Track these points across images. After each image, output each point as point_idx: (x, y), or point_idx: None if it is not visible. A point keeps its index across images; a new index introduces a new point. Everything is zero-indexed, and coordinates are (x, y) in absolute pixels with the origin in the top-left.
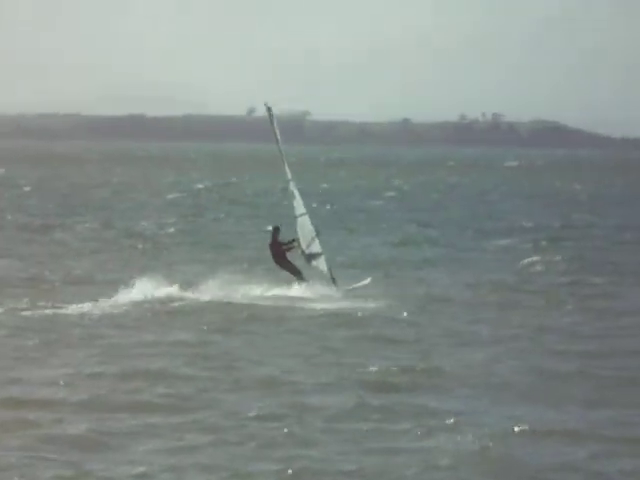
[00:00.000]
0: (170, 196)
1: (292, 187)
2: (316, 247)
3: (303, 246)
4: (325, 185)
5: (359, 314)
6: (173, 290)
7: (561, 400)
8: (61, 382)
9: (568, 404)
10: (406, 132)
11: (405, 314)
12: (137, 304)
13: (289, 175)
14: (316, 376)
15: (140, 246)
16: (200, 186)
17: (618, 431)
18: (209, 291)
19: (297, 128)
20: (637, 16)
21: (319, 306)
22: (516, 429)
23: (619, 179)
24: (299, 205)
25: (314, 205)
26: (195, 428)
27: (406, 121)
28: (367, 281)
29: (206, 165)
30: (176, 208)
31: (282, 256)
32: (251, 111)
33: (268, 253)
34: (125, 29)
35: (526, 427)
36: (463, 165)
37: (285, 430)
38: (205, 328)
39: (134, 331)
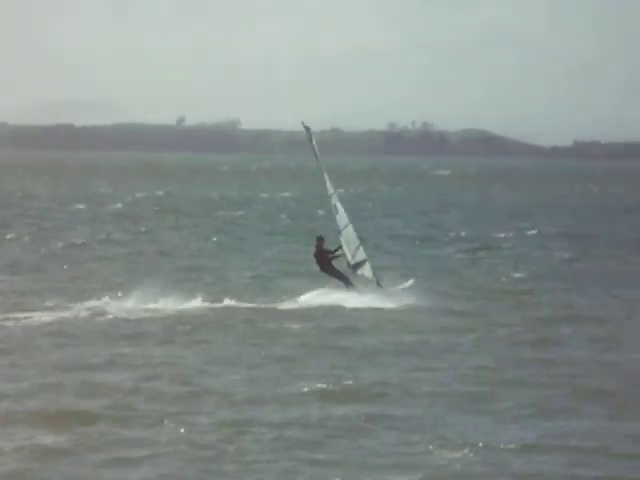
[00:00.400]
0: (107, 206)
1: (334, 201)
2: (361, 255)
3: (349, 258)
4: (264, 195)
5: (305, 324)
6: (117, 302)
7: (509, 409)
8: (5, 394)
9: (516, 414)
10: (336, 141)
11: (352, 323)
12: (80, 317)
13: (331, 190)
14: (263, 387)
15: (81, 258)
16: (137, 195)
17: (567, 441)
18: (153, 301)
19: (228, 137)
20: (567, 30)
21: (265, 315)
22: (472, 440)
23: (552, 188)
24: (342, 218)
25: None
26: (143, 440)
27: (335, 130)
28: (411, 282)
29: (138, 175)
30: (115, 218)
31: (328, 263)
32: (181, 120)
33: (210, 262)
34: (53, 37)
35: (482, 438)
36: (395, 174)
37: (234, 442)
38: (151, 339)
39: (79, 343)
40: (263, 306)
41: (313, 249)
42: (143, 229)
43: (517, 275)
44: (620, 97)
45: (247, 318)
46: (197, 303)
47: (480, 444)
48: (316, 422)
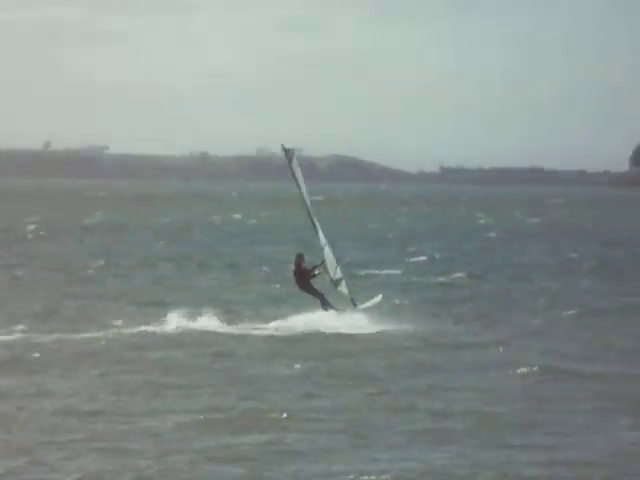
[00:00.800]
0: None
1: (316, 221)
2: (339, 273)
3: (331, 274)
4: (141, 220)
5: (189, 350)
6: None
7: (396, 437)
8: None
9: (404, 441)
10: (204, 166)
11: (238, 349)
12: None
13: (310, 210)
14: (145, 416)
15: None
16: (9, 222)
17: (455, 469)
18: (32, 329)
19: (95, 162)
20: (435, 57)
21: (148, 342)
22: (361, 469)
23: (425, 212)
24: (321, 237)
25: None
26: (15, 469)
27: (204, 155)
28: (379, 298)
29: (5, 201)
30: None
31: (306, 281)
32: (47, 145)
33: (90, 289)
34: None
35: (372, 466)
36: (268, 200)
37: (118, 475)
38: (24, 368)
39: None
40: (146, 332)
41: (292, 267)
42: (19, 256)
43: (399, 302)
44: (484, 125)
45: (129, 345)
46: (77, 330)
47: (370, 474)
48: (198, 450)
